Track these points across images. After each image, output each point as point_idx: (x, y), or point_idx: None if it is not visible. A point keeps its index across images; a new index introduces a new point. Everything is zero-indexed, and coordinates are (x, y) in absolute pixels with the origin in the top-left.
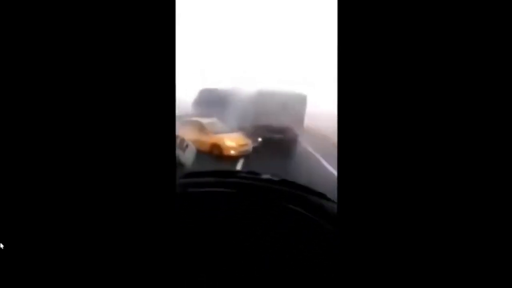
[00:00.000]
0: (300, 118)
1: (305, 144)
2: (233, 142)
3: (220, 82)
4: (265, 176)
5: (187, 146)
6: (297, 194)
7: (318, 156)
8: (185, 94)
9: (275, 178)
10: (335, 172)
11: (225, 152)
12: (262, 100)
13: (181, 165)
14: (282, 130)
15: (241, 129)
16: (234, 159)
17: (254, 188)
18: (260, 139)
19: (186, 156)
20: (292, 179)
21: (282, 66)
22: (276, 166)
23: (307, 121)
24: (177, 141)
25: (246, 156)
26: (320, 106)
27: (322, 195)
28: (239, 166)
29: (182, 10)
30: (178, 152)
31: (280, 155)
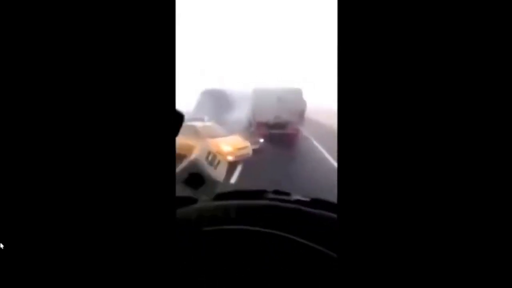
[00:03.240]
0: (298, 112)
1: (310, 138)
2: (229, 146)
3: (220, 82)
4: (295, 197)
5: (219, 162)
6: (329, 219)
7: (323, 150)
8: (185, 95)
9: (305, 199)
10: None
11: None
12: (258, 97)
13: (212, 183)
14: (282, 125)
15: (240, 130)
16: (232, 164)
17: (281, 213)
18: (261, 140)
19: (219, 172)
20: (296, 179)
21: (282, 66)
22: (279, 167)
23: (313, 116)
24: (208, 156)
25: (246, 160)
26: (324, 102)
27: None
28: (237, 171)
29: (182, 10)
30: (209, 169)
31: (283, 152)
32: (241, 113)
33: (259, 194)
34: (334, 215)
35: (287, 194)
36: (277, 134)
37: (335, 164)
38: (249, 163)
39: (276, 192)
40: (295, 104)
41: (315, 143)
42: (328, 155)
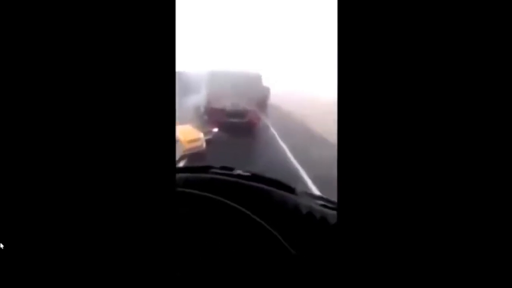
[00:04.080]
0: (259, 99)
1: (270, 128)
2: (177, 138)
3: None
4: (236, 171)
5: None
6: (265, 192)
7: (282, 144)
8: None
9: (246, 174)
10: (298, 166)
11: None
12: (214, 81)
13: None
14: (240, 114)
15: (192, 119)
16: (180, 159)
17: (222, 185)
18: (215, 129)
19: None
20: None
21: (282, 65)
22: (231, 159)
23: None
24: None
25: (196, 153)
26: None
27: (291, 190)
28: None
29: (182, 10)
30: None
31: (240, 145)
32: (195, 99)
33: (205, 169)
34: (270, 188)
35: (230, 169)
36: (234, 123)
37: (292, 157)
38: (197, 155)
39: (222, 167)
40: (254, 90)
41: (276, 135)
42: (285, 147)
